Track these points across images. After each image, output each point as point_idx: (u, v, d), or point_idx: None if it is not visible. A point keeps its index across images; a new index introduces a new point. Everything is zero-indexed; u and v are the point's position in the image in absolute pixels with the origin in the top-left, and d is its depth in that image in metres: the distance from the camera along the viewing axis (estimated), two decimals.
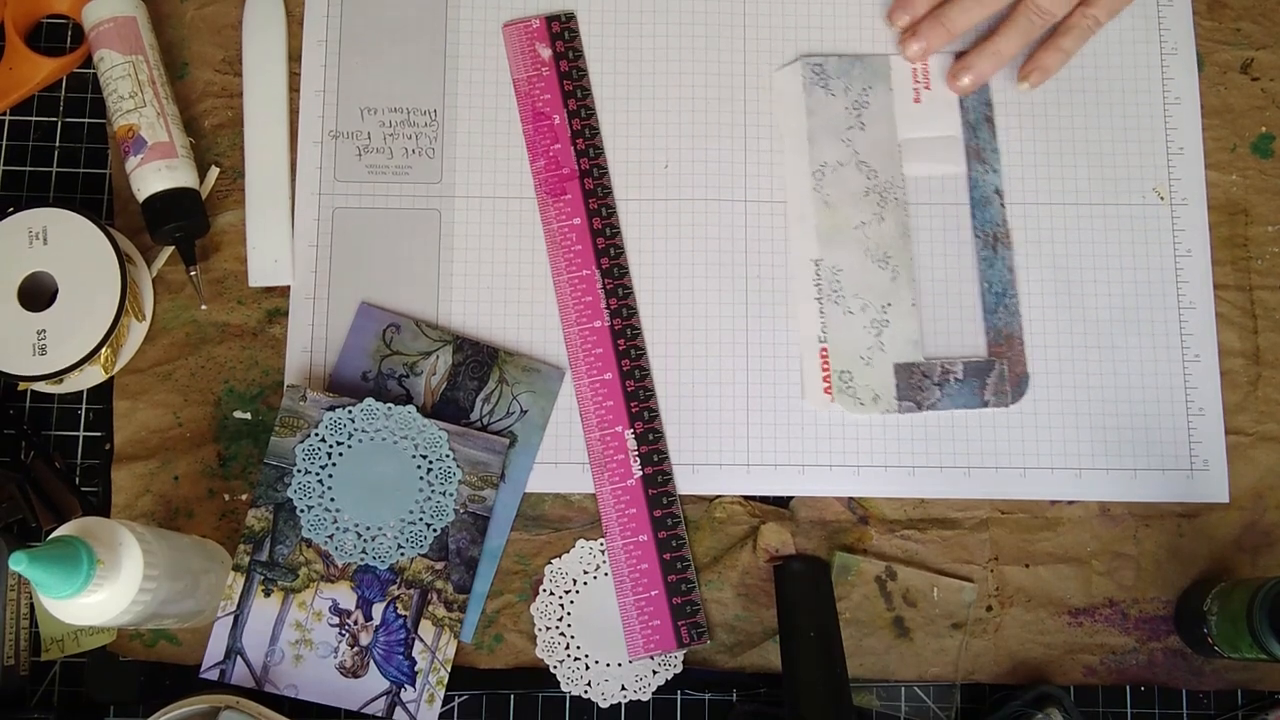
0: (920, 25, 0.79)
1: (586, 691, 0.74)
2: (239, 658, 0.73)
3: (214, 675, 0.72)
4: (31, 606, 0.75)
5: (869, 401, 0.76)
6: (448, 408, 0.76)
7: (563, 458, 0.76)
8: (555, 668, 0.74)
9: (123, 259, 0.73)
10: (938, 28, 0.79)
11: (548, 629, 0.75)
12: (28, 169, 0.80)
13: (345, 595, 0.74)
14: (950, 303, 0.79)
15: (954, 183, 0.80)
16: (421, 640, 0.74)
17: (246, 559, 0.74)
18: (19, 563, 0.58)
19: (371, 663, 0.73)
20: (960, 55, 0.80)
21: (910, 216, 0.79)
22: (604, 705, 0.74)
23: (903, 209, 0.79)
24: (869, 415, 0.77)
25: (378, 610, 0.74)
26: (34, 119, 0.81)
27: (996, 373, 0.77)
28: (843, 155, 0.79)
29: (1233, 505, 0.77)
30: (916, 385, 0.76)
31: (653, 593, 0.74)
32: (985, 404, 0.77)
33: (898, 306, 0.78)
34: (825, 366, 0.77)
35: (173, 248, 0.78)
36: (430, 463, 0.75)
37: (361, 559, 0.74)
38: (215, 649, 0.73)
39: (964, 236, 0.79)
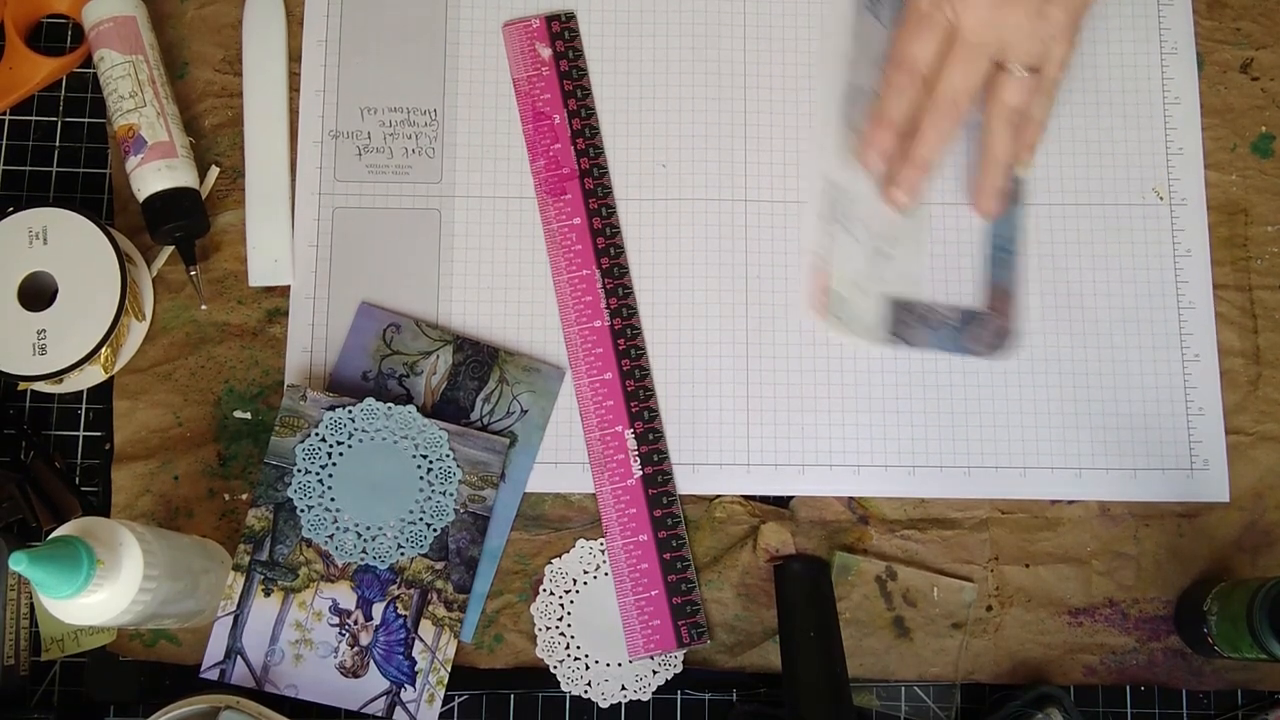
0: (897, 174, 0.76)
1: (586, 691, 0.74)
2: (239, 658, 0.73)
3: (214, 675, 0.72)
4: (31, 606, 0.75)
5: (858, 330, 0.77)
6: (448, 407, 0.76)
7: (563, 458, 0.76)
8: (555, 668, 0.74)
9: (123, 259, 0.73)
10: (911, 170, 0.76)
11: (548, 629, 0.75)
12: (28, 169, 0.80)
13: (345, 595, 0.74)
14: (956, 249, 0.79)
15: (979, 132, 0.78)
16: (421, 640, 0.74)
17: (246, 559, 0.74)
18: (19, 563, 0.58)
19: (371, 663, 0.73)
20: (975, 182, 0.78)
21: None
22: (604, 705, 0.74)
23: None
24: (869, 343, 0.77)
25: (378, 610, 0.74)
26: (34, 119, 0.81)
27: (987, 325, 0.77)
28: (878, 84, 0.79)
29: (1233, 505, 0.77)
30: (906, 322, 0.77)
31: (653, 593, 0.74)
32: (966, 351, 0.77)
33: (904, 243, 0.78)
34: (822, 287, 0.77)
35: (173, 248, 0.78)
36: (430, 462, 0.75)
37: (361, 559, 0.74)
38: (215, 649, 0.73)
39: None
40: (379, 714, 0.73)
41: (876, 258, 0.77)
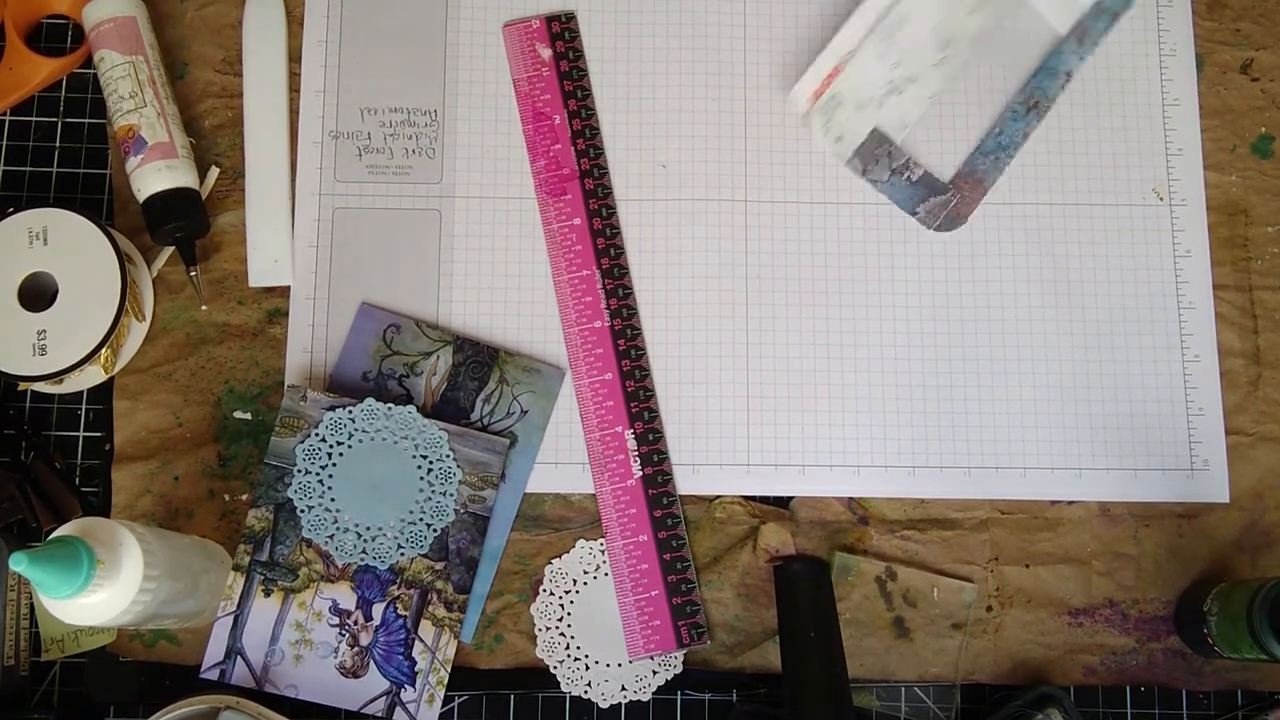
0: None
1: (586, 692, 0.74)
2: (239, 658, 0.73)
3: (214, 675, 0.72)
4: (31, 606, 0.75)
5: (832, 137, 0.78)
6: (448, 408, 0.76)
7: (563, 458, 0.76)
8: (555, 668, 0.74)
9: (123, 259, 0.73)
10: None
11: (548, 629, 0.75)
12: (28, 169, 0.80)
13: (345, 595, 0.74)
14: (957, 119, 0.80)
15: (1041, 37, 0.79)
16: (421, 640, 0.74)
17: (246, 559, 0.74)
18: (19, 563, 0.58)
19: (371, 663, 0.73)
20: None
21: (990, 34, 0.79)
22: (604, 705, 0.74)
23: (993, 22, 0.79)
24: (832, 153, 0.78)
25: (378, 610, 0.74)
26: (34, 119, 0.81)
27: (944, 199, 0.78)
28: None
29: (1233, 505, 0.77)
30: (875, 156, 0.78)
31: (653, 593, 0.74)
32: (914, 214, 0.78)
33: (919, 87, 0.78)
34: (829, 81, 0.77)
35: (173, 248, 0.78)
36: (430, 463, 0.75)
37: (361, 559, 0.74)
38: (215, 649, 0.73)
39: (1013, 80, 0.80)
40: (379, 714, 0.73)
41: (889, 86, 0.77)
